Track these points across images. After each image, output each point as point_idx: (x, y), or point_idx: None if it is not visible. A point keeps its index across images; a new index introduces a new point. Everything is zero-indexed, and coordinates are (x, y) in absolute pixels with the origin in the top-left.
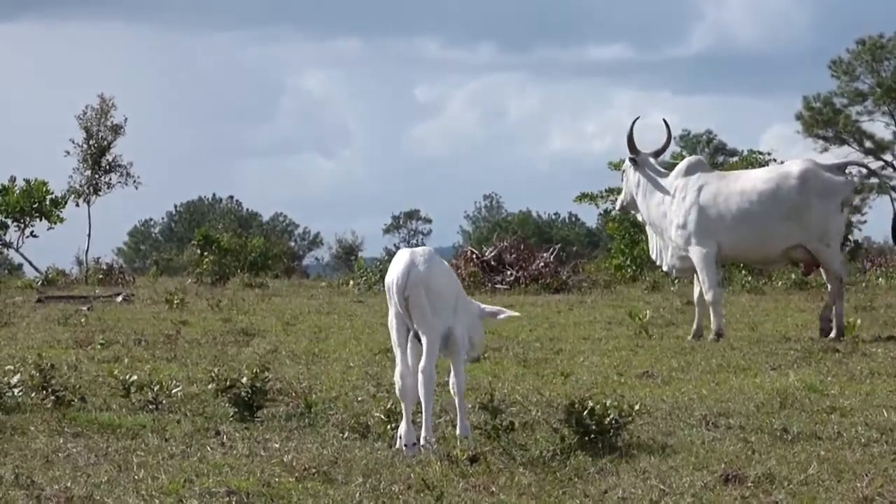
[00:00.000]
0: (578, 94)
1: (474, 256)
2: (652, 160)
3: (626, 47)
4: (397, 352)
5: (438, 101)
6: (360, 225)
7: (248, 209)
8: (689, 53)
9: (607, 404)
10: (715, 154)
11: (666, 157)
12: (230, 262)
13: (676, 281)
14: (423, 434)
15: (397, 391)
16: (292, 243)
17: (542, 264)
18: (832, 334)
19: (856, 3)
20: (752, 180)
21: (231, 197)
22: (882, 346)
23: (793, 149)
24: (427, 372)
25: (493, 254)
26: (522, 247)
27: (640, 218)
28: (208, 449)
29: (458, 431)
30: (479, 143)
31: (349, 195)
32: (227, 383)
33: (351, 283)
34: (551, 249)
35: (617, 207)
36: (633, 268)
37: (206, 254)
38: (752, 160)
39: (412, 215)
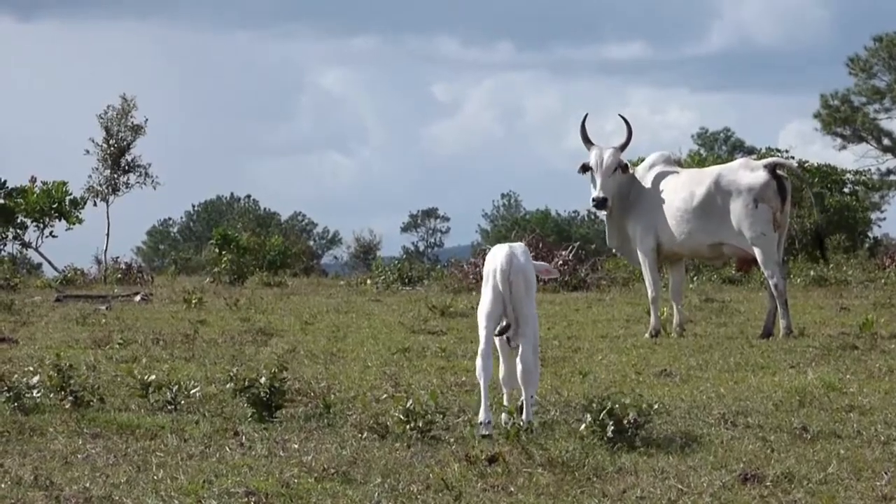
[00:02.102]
0: (596, 91)
1: None
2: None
3: (644, 45)
4: (483, 334)
5: (456, 100)
6: (379, 223)
7: (266, 208)
8: (706, 51)
9: (626, 403)
10: (733, 152)
11: (683, 154)
12: (248, 262)
13: (695, 278)
14: (524, 417)
15: (477, 370)
16: (311, 242)
17: (560, 262)
18: (764, 333)
19: (874, 1)
20: (685, 178)
21: (249, 196)
22: None
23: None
24: (526, 360)
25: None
26: (541, 245)
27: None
28: (227, 449)
29: (524, 417)
30: (496, 141)
31: (367, 194)
32: (246, 383)
33: (369, 281)
34: (570, 247)
35: (607, 203)
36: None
37: (224, 253)
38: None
39: (430, 213)
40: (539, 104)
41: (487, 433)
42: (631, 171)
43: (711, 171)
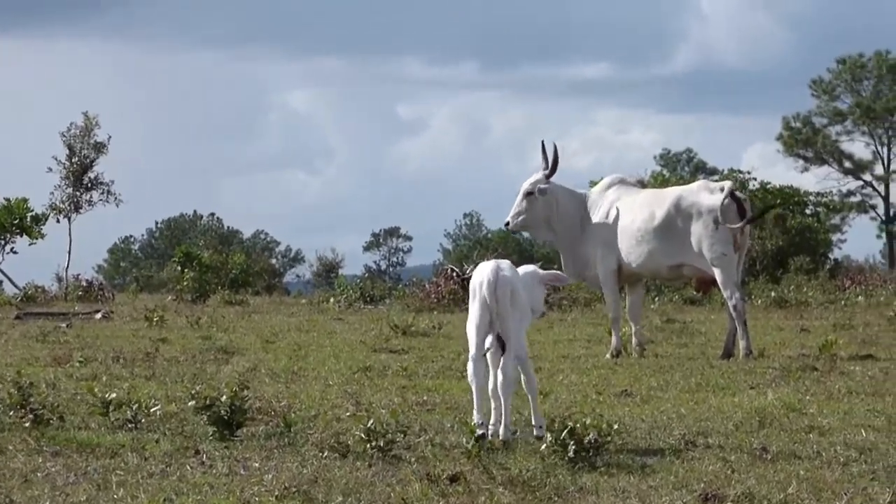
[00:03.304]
0: (561, 112)
1: (454, 274)
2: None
3: (609, 66)
4: (473, 342)
5: (421, 119)
6: (342, 242)
7: (229, 226)
8: (671, 72)
9: (587, 423)
10: (696, 173)
11: (647, 175)
12: (211, 280)
13: (657, 299)
14: (501, 427)
15: (468, 375)
16: (273, 260)
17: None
18: (724, 354)
19: (837, 24)
20: (644, 199)
21: (212, 214)
22: (860, 365)
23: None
24: (507, 370)
25: (473, 272)
26: None
27: (537, 237)
28: (188, 468)
29: (533, 422)
30: (460, 160)
31: (331, 212)
32: (207, 402)
33: (331, 300)
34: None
35: (514, 225)
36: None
37: (186, 271)
38: (733, 179)
39: (392, 233)
40: (503, 124)
41: (482, 433)
42: (586, 192)
43: (671, 193)
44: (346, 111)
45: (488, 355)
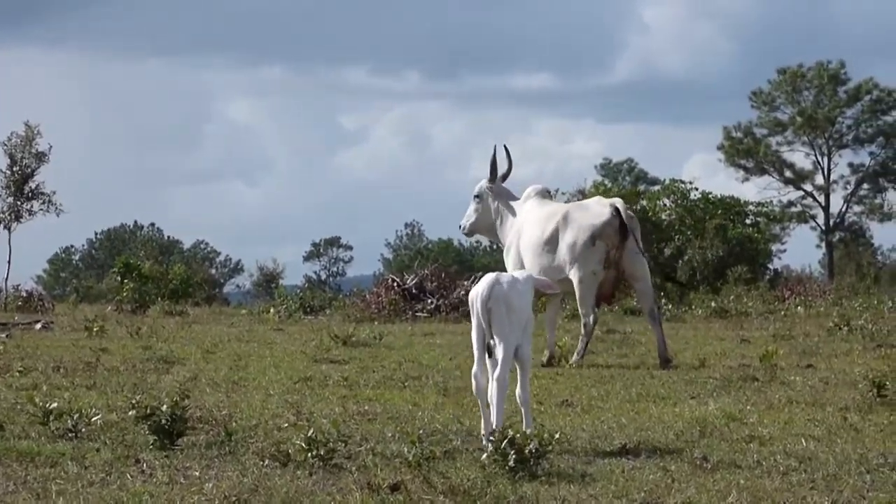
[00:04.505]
0: (503, 121)
1: (395, 284)
2: (505, 186)
3: (551, 76)
4: (475, 355)
5: (363, 129)
6: (282, 252)
7: (169, 236)
8: (612, 82)
9: (527, 433)
10: (637, 182)
11: (587, 185)
12: (151, 290)
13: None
14: (494, 421)
15: (473, 388)
16: (213, 271)
17: (462, 292)
18: (662, 363)
19: (777, 35)
20: (545, 212)
21: (152, 224)
22: (800, 375)
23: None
24: (500, 379)
25: (413, 282)
26: (443, 275)
27: (490, 239)
28: (128, 477)
29: (524, 429)
30: (402, 170)
31: (271, 223)
32: (147, 411)
33: (271, 310)
34: (472, 278)
35: (465, 229)
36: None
37: (126, 281)
38: (674, 189)
39: (333, 242)
40: (446, 133)
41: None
42: (518, 201)
43: (563, 207)
44: (288, 121)
45: (487, 363)
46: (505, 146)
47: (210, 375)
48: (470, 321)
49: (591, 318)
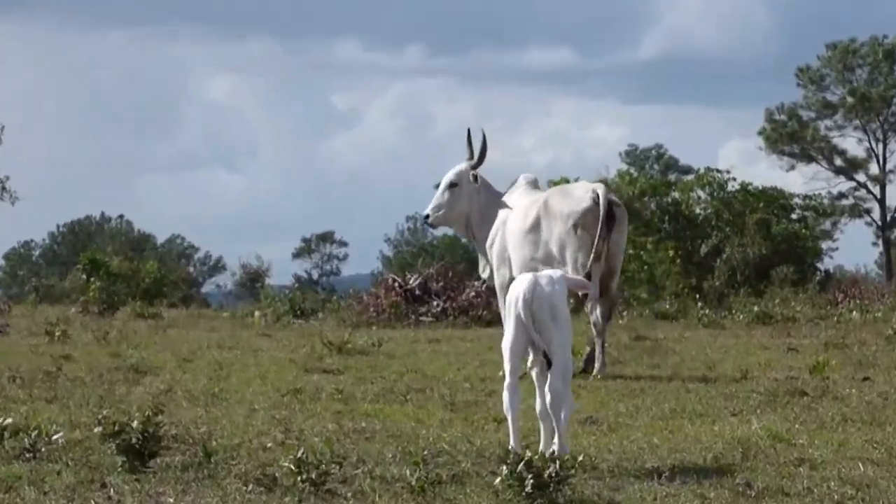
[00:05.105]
0: (515, 102)
1: (396, 285)
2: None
3: (570, 51)
4: (507, 367)
5: (358, 110)
6: (268, 249)
7: (140, 230)
8: (639, 59)
9: (546, 455)
10: (666, 171)
11: (610, 174)
12: (120, 290)
13: (625, 313)
14: (557, 447)
15: (504, 405)
16: (191, 269)
17: (472, 294)
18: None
19: (827, 5)
20: (529, 201)
21: (121, 216)
22: (856, 389)
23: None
24: (555, 389)
25: (417, 282)
26: (451, 274)
27: (460, 234)
28: (93, 503)
29: (557, 450)
30: (402, 156)
31: (255, 215)
32: (116, 428)
33: (256, 313)
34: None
35: (434, 220)
36: (574, 299)
37: (92, 280)
38: (710, 179)
39: (326, 238)
40: (451, 115)
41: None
42: (503, 191)
43: (544, 193)
44: (275, 100)
45: (533, 375)
46: (482, 130)
47: (187, 387)
48: (477, 327)
49: (596, 314)
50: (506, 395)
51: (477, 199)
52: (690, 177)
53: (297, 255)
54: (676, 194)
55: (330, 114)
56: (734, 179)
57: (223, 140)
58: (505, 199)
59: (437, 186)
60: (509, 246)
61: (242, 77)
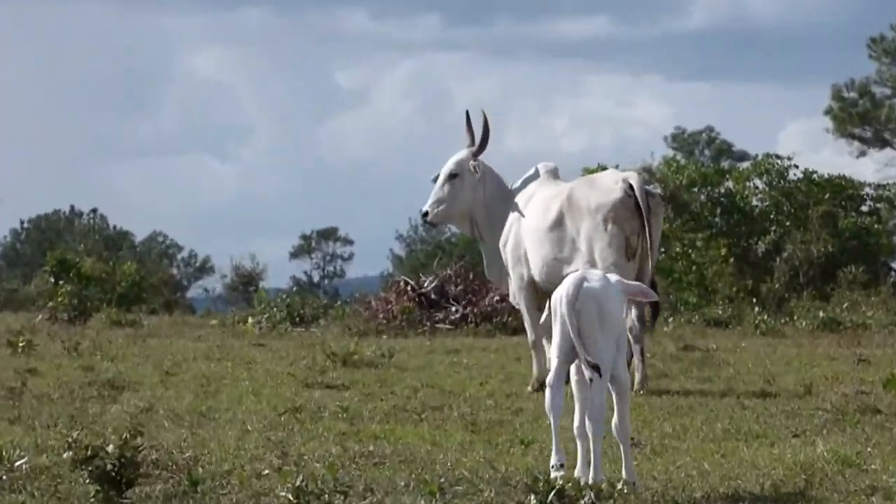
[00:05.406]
0: (545, 79)
1: (409, 288)
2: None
3: (608, 21)
4: (554, 364)
5: (365, 89)
6: (263, 247)
7: (116, 226)
8: (686, 28)
9: (581, 482)
10: (719, 158)
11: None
12: (93, 294)
13: (671, 319)
14: (591, 475)
15: (546, 404)
16: (174, 270)
17: (496, 298)
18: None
19: None
20: (550, 193)
21: (94, 210)
22: None
23: (821, 152)
24: (595, 403)
25: (433, 285)
26: (471, 276)
27: (463, 231)
28: None
29: (624, 476)
30: (416, 141)
31: (248, 209)
32: (88, 453)
33: (249, 320)
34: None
35: (434, 216)
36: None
37: (61, 283)
38: (768, 167)
39: (328, 235)
40: (470, 94)
41: (560, 475)
42: (516, 182)
43: (568, 185)
44: (270, 77)
45: (573, 385)
46: (482, 112)
47: (170, 405)
48: (501, 336)
49: (631, 320)
50: (548, 394)
51: (481, 192)
52: (746, 164)
53: (296, 254)
54: (730, 184)
55: (334, 93)
56: (796, 167)
57: (211, 122)
58: (522, 191)
59: (436, 180)
60: (527, 244)
61: (234, 50)
